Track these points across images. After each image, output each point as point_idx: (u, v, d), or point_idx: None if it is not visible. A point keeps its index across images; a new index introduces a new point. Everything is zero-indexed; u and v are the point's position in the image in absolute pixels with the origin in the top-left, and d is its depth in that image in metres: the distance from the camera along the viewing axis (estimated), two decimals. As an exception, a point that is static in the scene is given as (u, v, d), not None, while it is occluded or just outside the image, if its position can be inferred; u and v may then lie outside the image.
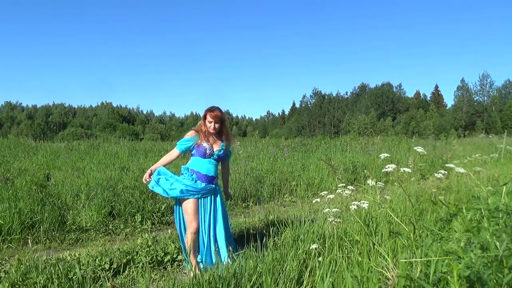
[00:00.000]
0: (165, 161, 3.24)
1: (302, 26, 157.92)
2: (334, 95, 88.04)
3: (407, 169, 2.68)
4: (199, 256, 3.27)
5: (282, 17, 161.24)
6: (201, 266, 3.18)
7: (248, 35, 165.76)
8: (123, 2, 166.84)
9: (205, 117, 3.25)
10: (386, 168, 2.55)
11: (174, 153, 3.22)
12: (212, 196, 3.28)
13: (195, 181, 3.15)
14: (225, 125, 3.33)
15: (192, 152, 3.27)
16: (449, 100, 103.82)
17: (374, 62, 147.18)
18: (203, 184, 3.17)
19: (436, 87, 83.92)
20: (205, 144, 3.19)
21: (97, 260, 3.31)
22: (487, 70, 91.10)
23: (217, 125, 3.22)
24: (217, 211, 3.30)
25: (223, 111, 3.39)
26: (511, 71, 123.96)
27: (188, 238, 3.17)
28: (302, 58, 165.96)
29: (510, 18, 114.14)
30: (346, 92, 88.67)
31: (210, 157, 3.22)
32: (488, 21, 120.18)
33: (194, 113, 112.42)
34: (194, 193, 3.15)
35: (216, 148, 3.25)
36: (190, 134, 3.26)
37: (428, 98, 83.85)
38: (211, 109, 3.24)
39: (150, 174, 3.17)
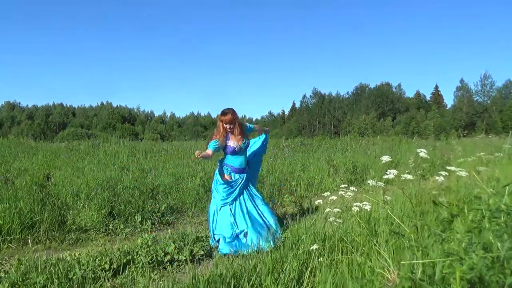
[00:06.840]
0: (207, 155, 3.84)
1: (302, 26, 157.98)
2: (334, 95, 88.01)
3: (408, 176, 2.66)
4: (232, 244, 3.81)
5: (282, 17, 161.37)
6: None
7: (248, 35, 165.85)
8: (123, 2, 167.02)
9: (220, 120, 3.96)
10: (387, 175, 2.54)
11: (210, 152, 3.86)
12: (246, 189, 4.10)
13: (230, 173, 4.04)
14: (237, 122, 3.98)
15: (226, 150, 4.05)
16: (449, 100, 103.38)
17: (373, 62, 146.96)
18: (237, 176, 4.03)
19: (436, 87, 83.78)
20: (231, 144, 3.98)
21: (97, 260, 3.30)
22: (489, 70, 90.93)
23: (231, 126, 3.95)
24: (254, 197, 4.12)
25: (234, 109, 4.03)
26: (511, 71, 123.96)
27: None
28: (302, 58, 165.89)
29: (510, 18, 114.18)
30: (347, 92, 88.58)
31: (239, 153, 4.02)
32: (488, 21, 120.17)
33: (194, 113, 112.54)
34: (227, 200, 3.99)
35: (240, 142, 4.01)
36: (214, 138, 3.96)
37: (428, 98, 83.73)
38: (222, 114, 3.95)
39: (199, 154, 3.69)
